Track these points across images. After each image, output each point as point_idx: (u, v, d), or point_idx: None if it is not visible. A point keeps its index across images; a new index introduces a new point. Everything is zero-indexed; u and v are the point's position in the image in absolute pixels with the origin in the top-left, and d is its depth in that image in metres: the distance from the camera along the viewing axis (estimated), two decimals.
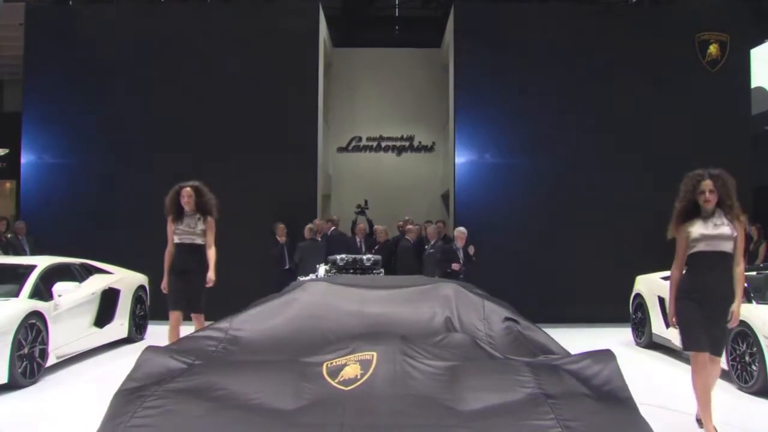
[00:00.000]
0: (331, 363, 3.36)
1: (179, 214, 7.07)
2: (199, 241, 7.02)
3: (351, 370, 3.25)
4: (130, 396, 3.04)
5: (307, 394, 3.12)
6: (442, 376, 3.27)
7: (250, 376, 3.25)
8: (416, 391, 3.15)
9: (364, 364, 3.29)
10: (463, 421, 2.88)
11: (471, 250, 10.22)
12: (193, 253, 7.01)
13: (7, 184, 17.40)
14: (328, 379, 3.23)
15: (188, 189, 7.10)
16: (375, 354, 3.36)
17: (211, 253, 7.00)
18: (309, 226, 10.72)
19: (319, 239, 10.87)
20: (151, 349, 3.55)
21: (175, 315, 6.96)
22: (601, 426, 2.80)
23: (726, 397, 6.97)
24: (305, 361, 3.44)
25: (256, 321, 4.07)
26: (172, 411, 2.87)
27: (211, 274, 6.94)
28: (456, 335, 3.97)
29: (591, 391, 3.16)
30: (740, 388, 7.00)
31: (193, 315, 7.03)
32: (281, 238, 11.22)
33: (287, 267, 11.05)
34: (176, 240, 7.04)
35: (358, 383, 3.18)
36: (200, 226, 7.03)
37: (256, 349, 3.81)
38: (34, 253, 10.80)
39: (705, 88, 12.32)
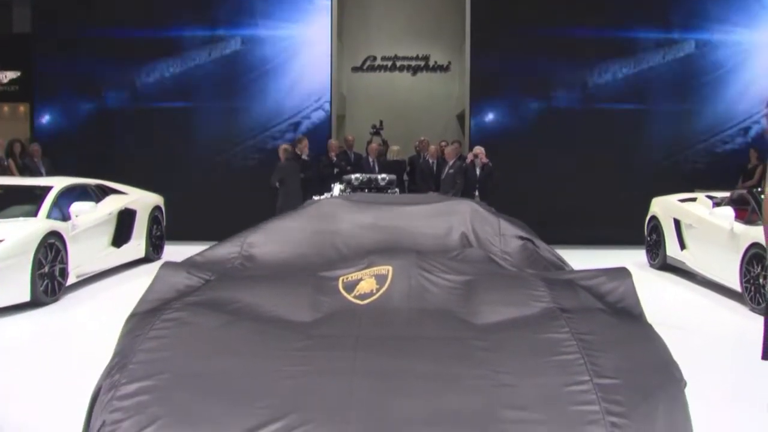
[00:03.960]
0: (347, 277, 3.38)
1: None
2: None
3: (367, 285, 3.27)
4: (150, 310, 3.09)
5: (323, 307, 3.15)
6: (457, 290, 3.29)
7: (266, 290, 3.28)
8: (432, 304, 3.18)
9: (380, 279, 3.30)
10: (478, 333, 2.90)
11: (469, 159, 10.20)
12: None
13: (21, 108, 17.33)
14: (344, 293, 3.25)
15: None
16: (391, 268, 3.36)
17: None
18: (284, 146, 10.70)
19: (295, 160, 10.75)
20: (168, 265, 3.58)
21: None
22: (615, 340, 2.81)
23: (738, 318, 7.03)
24: (321, 275, 3.46)
25: (271, 237, 4.08)
26: (189, 323, 2.90)
27: None
28: (472, 251, 3.98)
29: (606, 307, 3.18)
30: (752, 310, 7.04)
31: None
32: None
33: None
34: None
35: (374, 297, 3.20)
36: None
37: (272, 265, 3.84)
38: (49, 175, 10.85)
39: (719, 9, 11.93)
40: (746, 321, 6.81)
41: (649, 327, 3.05)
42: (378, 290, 3.23)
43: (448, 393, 2.51)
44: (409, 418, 2.38)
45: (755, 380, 5.06)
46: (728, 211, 7.92)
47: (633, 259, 10.02)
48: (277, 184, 10.31)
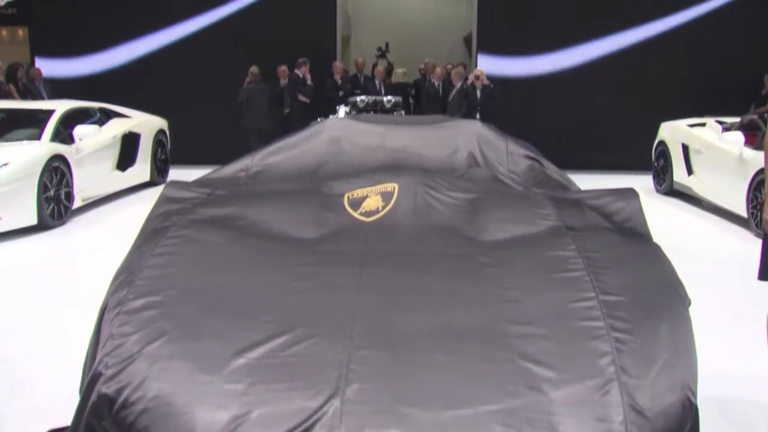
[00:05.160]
0: (353, 194, 3.36)
1: None
2: None
3: (372, 202, 3.26)
4: (156, 228, 3.09)
5: (328, 224, 3.14)
6: (463, 208, 3.27)
7: (271, 207, 3.27)
8: (438, 222, 3.17)
9: (386, 196, 3.28)
10: (484, 250, 2.90)
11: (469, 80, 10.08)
12: None
13: (20, 31, 17.04)
14: (350, 210, 3.24)
15: None
16: (397, 186, 3.34)
17: None
18: (251, 69, 10.90)
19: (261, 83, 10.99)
20: (173, 183, 3.57)
21: None
22: (621, 258, 2.80)
23: (742, 243, 7.05)
24: (326, 192, 3.44)
25: (277, 157, 4.04)
26: (194, 240, 2.90)
27: None
28: (478, 170, 3.94)
29: (612, 226, 3.17)
30: (757, 235, 7.03)
31: None
32: (283, 80, 11.09)
33: (290, 110, 11.01)
34: None
35: (380, 214, 3.19)
36: None
37: (277, 183, 3.81)
38: (51, 98, 10.75)
39: None
40: (751, 246, 6.82)
41: (655, 246, 3.04)
42: (384, 207, 3.22)
43: (454, 308, 2.51)
44: (414, 333, 2.39)
45: (757, 301, 5.11)
46: (738, 136, 7.83)
47: (639, 185, 9.83)
48: (245, 103, 10.77)
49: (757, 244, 6.70)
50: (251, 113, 10.75)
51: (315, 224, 3.13)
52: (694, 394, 2.30)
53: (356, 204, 3.27)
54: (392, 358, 2.29)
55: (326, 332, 2.39)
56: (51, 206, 7.23)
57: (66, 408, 2.67)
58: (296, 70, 10.93)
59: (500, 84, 10.31)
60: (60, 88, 11.17)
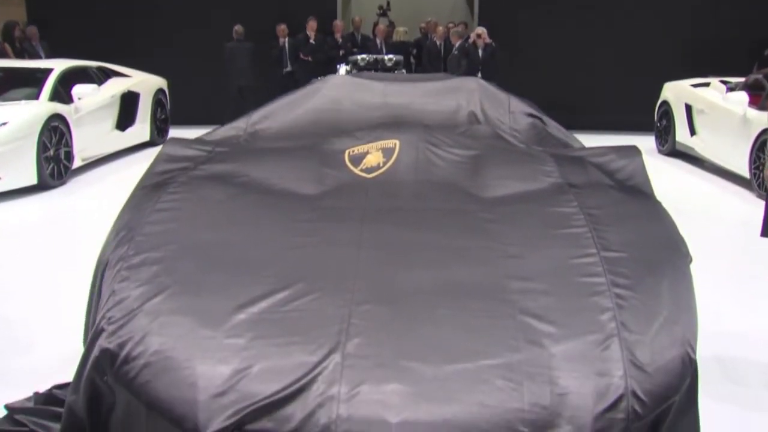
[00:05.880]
0: (353, 151, 3.34)
1: None
2: None
3: (373, 158, 3.24)
4: (156, 185, 3.07)
5: (329, 180, 3.13)
6: (465, 164, 3.25)
7: (271, 164, 3.26)
8: (439, 178, 3.15)
9: (387, 152, 3.27)
10: (486, 206, 2.90)
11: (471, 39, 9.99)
12: None
13: None
14: (351, 167, 3.22)
15: None
16: (398, 142, 3.32)
17: None
18: (235, 27, 10.77)
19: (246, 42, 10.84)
20: (173, 140, 3.54)
21: None
22: (623, 215, 2.80)
23: (744, 204, 7.04)
24: (327, 149, 3.42)
25: (276, 114, 4.01)
26: (195, 196, 2.90)
27: None
28: (480, 127, 3.91)
29: (615, 183, 3.15)
30: (759, 196, 7.02)
31: None
32: (282, 39, 10.97)
33: (289, 69, 10.89)
34: None
35: (381, 171, 3.18)
36: None
37: (277, 140, 3.79)
38: (48, 58, 10.62)
39: None
40: (752, 207, 6.82)
41: (657, 203, 3.03)
42: (385, 164, 3.20)
43: (456, 264, 2.51)
44: (415, 288, 2.39)
45: (757, 259, 5.13)
46: (742, 96, 7.75)
47: (641, 145, 9.73)
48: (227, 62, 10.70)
49: (759, 205, 6.73)
50: (232, 71, 10.71)
51: (316, 180, 3.11)
52: (694, 350, 2.31)
53: (357, 160, 3.26)
54: (393, 313, 2.29)
55: (327, 287, 2.39)
56: (51, 166, 7.20)
57: (67, 365, 2.68)
58: (307, 30, 10.86)
59: (500, 41, 10.16)
60: (56, 45, 11.02)
